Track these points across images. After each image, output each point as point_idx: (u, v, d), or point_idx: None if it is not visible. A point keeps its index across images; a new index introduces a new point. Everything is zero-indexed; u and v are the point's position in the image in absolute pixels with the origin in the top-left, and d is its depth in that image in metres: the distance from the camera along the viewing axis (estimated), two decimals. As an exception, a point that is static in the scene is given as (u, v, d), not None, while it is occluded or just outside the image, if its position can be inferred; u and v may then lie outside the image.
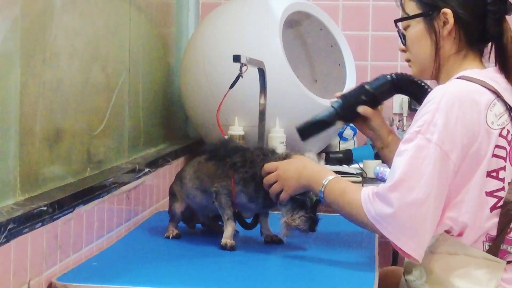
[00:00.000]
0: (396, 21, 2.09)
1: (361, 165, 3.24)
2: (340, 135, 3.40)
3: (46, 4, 1.96)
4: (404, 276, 2.05)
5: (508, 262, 1.95)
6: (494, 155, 1.91)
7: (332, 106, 2.26)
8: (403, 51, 2.11)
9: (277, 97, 2.97)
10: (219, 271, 2.02)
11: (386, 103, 3.50)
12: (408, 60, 2.10)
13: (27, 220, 1.74)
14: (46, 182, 1.99)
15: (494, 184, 1.92)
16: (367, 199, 1.94)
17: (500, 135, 1.92)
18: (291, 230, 2.13)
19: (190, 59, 3.24)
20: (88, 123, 2.28)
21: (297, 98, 3.07)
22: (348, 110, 2.25)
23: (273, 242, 2.26)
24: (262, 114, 2.79)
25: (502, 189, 1.92)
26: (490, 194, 1.92)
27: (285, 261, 2.11)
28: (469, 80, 1.94)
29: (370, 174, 3.18)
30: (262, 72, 2.75)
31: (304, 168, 2.11)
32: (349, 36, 3.43)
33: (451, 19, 1.99)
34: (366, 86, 2.25)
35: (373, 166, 3.17)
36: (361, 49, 3.61)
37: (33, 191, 1.90)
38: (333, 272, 2.00)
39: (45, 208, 1.82)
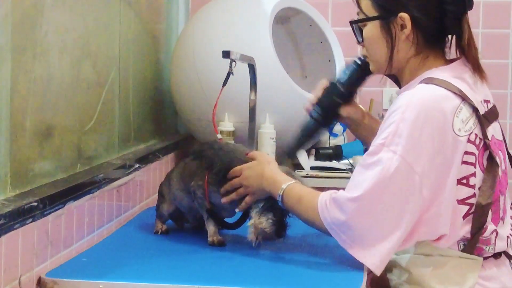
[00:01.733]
0: (351, 23, 2.05)
1: (351, 161, 3.25)
2: (330, 131, 3.40)
3: (37, 0, 1.96)
4: (386, 274, 2.06)
5: (485, 258, 1.94)
6: (464, 162, 1.89)
7: (311, 116, 2.23)
8: (360, 45, 2.07)
9: (267, 93, 2.98)
10: (209, 266, 2.02)
11: (376, 98, 3.54)
12: (366, 57, 2.07)
13: (18, 216, 1.74)
14: (37, 178, 1.99)
15: (465, 192, 1.90)
16: (323, 206, 1.94)
17: (468, 141, 1.89)
18: (258, 233, 2.11)
19: (180, 55, 3.24)
20: (79, 119, 2.28)
21: (287, 94, 3.08)
22: (328, 116, 2.22)
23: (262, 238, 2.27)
24: (252, 110, 2.79)
25: (473, 195, 1.91)
26: (462, 202, 1.91)
27: (275, 258, 2.12)
28: (435, 84, 1.91)
29: (360, 170, 3.18)
30: (252, 68, 2.75)
31: (263, 175, 2.09)
32: (338, 32, 3.44)
33: (408, 24, 1.94)
34: (338, 85, 2.20)
35: (362, 162, 3.18)
36: (350, 45, 3.59)
37: (23, 187, 1.90)
38: (322, 270, 2.00)
39: (35, 203, 1.82)
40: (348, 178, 3.04)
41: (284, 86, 3.07)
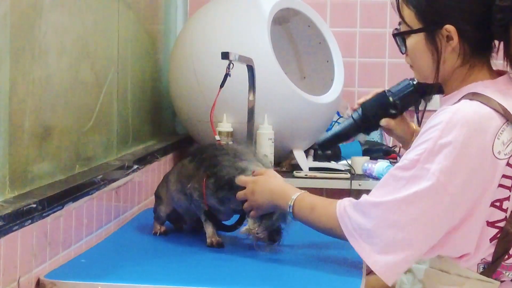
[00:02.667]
0: (394, 35, 1.97)
1: (349, 162, 3.25)
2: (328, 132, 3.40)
3: (35, 1, 1.95)
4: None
5: (502, 282, 1.89)
6: (500, 185, 1.82)
7: (352, 118, 2.21)
8: (404, 54, 1.99)
9: (266, 94, 2.98)
10: (208, 268, 2.02)
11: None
12: (411, 65, 1.99)
13: (17, 218, 1.74)
14: (35, 179, 1.98)
15: (496, 215, 1.84)
16: (343, 212, 1.90)
17: (508, 164, 1.82)
18: (253, 238, 2.12)
19: (178, 56, 3.24)
20: (77, 120, 2.28)
21: (286, 95, 3.08)
22: (369, 123, 2.20)
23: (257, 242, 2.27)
24: (250, 110, 2.79)
25: (504, 219, 1.84)
26: (491, 224, 1.84)
27: (273, 260, 2.11)
28: (479, 101, 1.83)
29: (358, 171, 3.19)
30: (251, 69, 2.75)
31: (271, 189, 2.07)
32: (337, 32, 3.44)
33: (455, 37, 1.87)
34: (388, 95, 2.17)
35: (361, 163, 3.19)
36: (349, 46, 3.62)
37: (22, 188, 1.90)
38: (321, 272, 1.99)
39: (34, 205, 1.82)
40: (347, 179, 3.09)
41: (283, 87, 3.07)
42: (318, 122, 3.19)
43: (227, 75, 2.54)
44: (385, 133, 2.25)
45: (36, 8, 1.96)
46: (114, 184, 2.43)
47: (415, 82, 2.16)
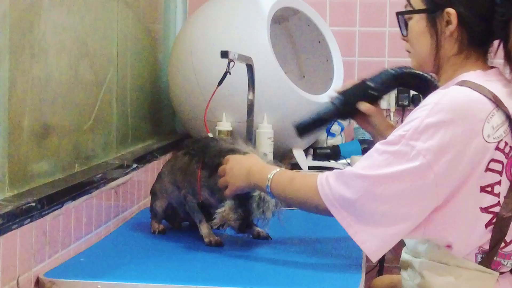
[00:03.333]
0: (398, 13, 2.00)
1: (349, 161, 3.25)
2: (328, 131, 3.40)
3: (34, 0, 1.96)
4: (399, 270, 2.05)
5: (501, 273, 1.90)
6: (489, 169, 1.83)
7: (333, 103, 2.22)
8: (404, 40, 2.02)
9: (265, 92, 2.98)
10: (207, 266, 2.02)
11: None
12: (408, 51, 2.02)
13: (16, 216, 1.74)
14: (35, 178, 1.99)
15: (489, 200, 1.84)
16: (323, 182, 1.90)
17: (497, 148, 1.84)
18: (223, 222, 2.13)
19: (178, 55, 3.24)
20: (76, 119, 2.28)
21: (285, 94, 3.08)
22: (348, 107, 2.20)
23: (259, 238, 2.27)
24: (250, 109, 2.79)
25: (498, 204, 1.85)
26: (485, 210, 1.85)
27: (272, 258, 2.12)
28: (470, 87, 1.86)
29: (358, 170, 3.19)
30: (250, 68, 2.75)
31: (250, 169, 2.07)
32: (336, 32, 3.44)
33: (454, 20, 1.90)
34: (368, 82, 2.20)
35: (360, 162, 3.18)
36: (348, 45, 3.62)
37: (21, 187, 1.90)
38: (320, 270, 2.00)
39: (33, 204, 1.82)
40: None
41: (282, 86, 3.07)
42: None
43: (226, 72, 2.54)
44: (361, 126, 2.25)
45: (36, 7, 1.96)
46: (114, 183, 2.44)
47: (397, 71, 2.19)
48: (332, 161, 3.29)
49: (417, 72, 2.16)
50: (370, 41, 3.62)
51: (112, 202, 2.46)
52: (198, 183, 2.21)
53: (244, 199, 2.12)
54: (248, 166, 2.08)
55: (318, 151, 3.33)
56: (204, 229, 2.22)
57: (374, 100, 2.21)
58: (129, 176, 2.60)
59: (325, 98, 3.22)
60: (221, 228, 2.15)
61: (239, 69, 2.67)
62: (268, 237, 2.26)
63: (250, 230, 2.20)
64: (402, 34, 2.01)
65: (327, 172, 1.93)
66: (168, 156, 3.15)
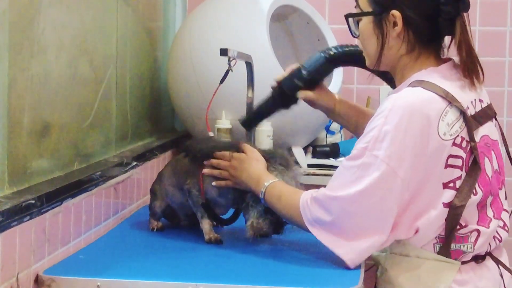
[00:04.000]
0: (346, 16, 2.07)
1: (348, 159, 3.24)
2: (327, 129, 3.41)
3: (34, -2, 1.96)
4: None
5: (464, 263, 1.94)
6: (448, 166, 1.88)
7: (272, 95, 2.28)
8: (356, 38, 2.08)
9: (264, 90, 2.97)
10: (207, 263, 2.03)
11: (373, 96, 3.54)
12: (338, 48, 2.15)
13: (15, 214, 1.74)
14: (34, 176, 1.99)
15: (451, 195, 1.90)
16: (305, 204, 1.98)
17: (454, 144, 1.88)
18: (256, 233, 2.14)
19: (177, 52, 3.24)
20: (76, 116, 2.28)
21: (284, 92, 3.07)
22: (287, 97, 2.25)
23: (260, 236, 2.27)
24: (249, 107, 2.79)
25: (456, 196, 1.90)
26: (447, 205, 1.90)
27: (272, 255, 2.12)
28: (422, 87, 1.90)
29: (357, 168, 3.18)
30: (249, 66, 2.75)
31: (249, 172, 2.14)
32: (336, 29, 3.44)
33: (399, 22, 1.94)
34: (302, 71, 2.24)
35: (359, 160, 3.18)
36: (347, 43, 3.61)
37: (21, 184, 1.90)
38: (320, 267, 2.00)
39: (33, 201, 1.82)
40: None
41: (281, 83, 3.06)
42: (316, 119, 3.19)
43: (228, 70, 2.54)
44: (310, 105, 2.29)
45: (35, 5, 1.96)
46: (113, 181, 2.44)
47: (327, 53, 2.23)
48: (331, 159, 3.29)
49: (346, 48, 2.22)
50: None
51: (111, 200, 2.46)
52: (201, 183, 2.21)
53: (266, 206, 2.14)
54: (249, 172, 2.14)
55: (317, 149, 3.33)
56: (205, 225, 2.22)
57: (311, 85, 2.24)
58: (129, 174, 2.60)
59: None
60: (257, 237, 2.15)
61: (239, 67, 2.67)
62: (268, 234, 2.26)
63: (283, 229, 2.18)
64: (353, 35, 2.06)
65: (307, 194, 2.00)
66: (167, 154, 3.15)
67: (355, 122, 2.30)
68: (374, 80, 2.26)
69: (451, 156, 1.88)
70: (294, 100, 2.27)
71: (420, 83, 1.92)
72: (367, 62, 2.07)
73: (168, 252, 2.13)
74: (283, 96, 2.26)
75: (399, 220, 1.91)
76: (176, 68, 3.23)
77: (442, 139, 1.87)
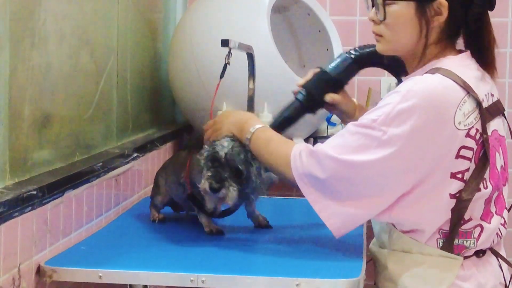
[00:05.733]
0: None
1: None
2: (328, 120, 3.40)
3: (35, -12, 1.96)
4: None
5: (466, 257, 1.92)
6: (460, 156, 1.85)
7: (297, 99, 2.20)
8: (374, 22, 1.99)
9: (265, 82, 2.97)
10: (208, 254, 2.03)
11: (374, 87, 3.54)
12: (378, 35, 1.98)
13: (17, 204, 1.74)
14: (36, 167, 1.99)
15: (458, 186, 1.87)
16: (297, 155, 1.92)
17: (468, 135, 1.86)
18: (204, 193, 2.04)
19: (178, 44, 3.23)
20: (77, 108, 2.28)
21: (285, 83, 3.06)
22: (313, 101, 2.19)
23: (260, 226, 2.27)
24: (250, 99, 2.79)
25: (463, 189, 1.88)
26: (453, 196, 1.88)
27: (274, 247, 2.12)
28: (442, 75, 1.87)
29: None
30: (250, 57, 2.75)
31: (235, 118, 2.10)
32: (336, 21, 3.43)
33: (445, 12, 1.90)
34: (329, 72, 2.19)
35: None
36: (348, 34, 3.61)
37: (22, 175, 1.90)
38: (321, 259, 2.00)
39: (34, 192, 1.82)
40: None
41: (282, 75, 3.06)
42: (317, 110, 3.19)
43: (226, 65, 2.52)
44: (328, 110, 2.25)
45: (36, -4, 1.96)
46: (114, 172, 2.44)
47: (353, 54, 2.18)
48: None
49: (372, 49, 2.12)
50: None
51: (112, 191, 2.46)
52: (187, 173, 2.18)
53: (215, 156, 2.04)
54: (235, 118, 2.10)
55: (318, 140, 3.33)
56: (202, 218, 2.22)
57: (338, 88, 2.19)
58: (130, 165, 2.60)
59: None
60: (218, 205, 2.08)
61: (240, 58, 2.67)
62: (269, 225, 2.26)
63: (221, 186, 2.01)
64: (377, 15, 1.96)
65: (301, 145, 1.95)
66: (168, 145, 3.16)
67: None
68: (375, 71, 2.25)
69: (464, 147, 1.86)
70: (322, 104, 2.20)
71: (438, 70, 1.89)
72: (385, 48, 1.99)
73: (170, 243, 2.13)
74: (308, 101, 2.19)
75: (400, 201, 1.88)
76: (177, 59, 3.23)
77: (457, 128, 1.84)
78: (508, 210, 2.03)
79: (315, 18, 3.39)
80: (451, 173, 1.87)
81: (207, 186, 2.01)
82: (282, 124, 2.24)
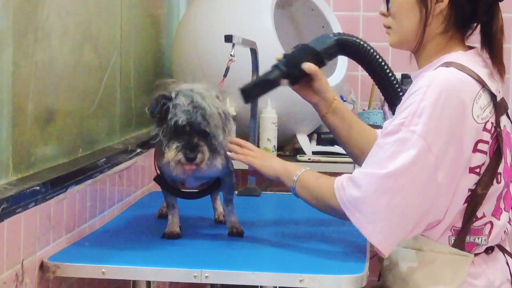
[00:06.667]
0: None
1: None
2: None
3: (38, -16, 1.95)
4: (378, 261, 2.06)
5: (476, 255, 1.92)
6: (477, 150, 1.85)
7: (276, 65, 2.18)
8: (383, 15, 2.00)
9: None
10: (212, 250, 2.02)
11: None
12: (388, 27, 1.99)
13: (20, 200, 1.74)
14: (39, 162, 1.99)
15: (473, 179, 1.86)
16: (339, 185, 1.90)
17: (484, 129, 1.85)
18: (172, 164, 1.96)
19: (181, 39, 3.23)
20: (80, 103, 2.28)
21: (289, 79, 3.07)
22: (292, 68, 2.16)
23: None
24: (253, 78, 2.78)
25: (478, 183, 1.87)
26: (470, 190, 1.87)
27: (279, 244, 2.12)
28: (457, 69, 1.86)
29: (362, 155, 3.18)
30: (254, 52, 2.74)
31: (274, 163, 2.09)
32: (340, 16, 3.43)
33: None
34: (310, 45, 2.18)
35: (364, 147, 3.18)
36: (352, 30, 3.59)
37: (25, 171, 1.90)
38: (325, 256, 2.00)
39: (38, 188, 1.82)
40: (350, 162, 3.09)
41: (286, 70, 3.06)
42: (321, 106, 3.19)
43: (228, 68, 2.49)
44: (305, 97, 2.21)
45: (39, -9, 1.96)
46: (118, 168, 2.44)
47: (337, 37, 2.19)
48: (336, 146, 3.28)
49: (357, 40, 2.16)
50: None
51: (116, 187, 2.46)
52: (155, 154, 2.10)
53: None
54: (272, 160, 2.10)
55: (322, 136, 3.33)
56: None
57: (317, 62, 2.17)
58: (133, 161, 2.60)
59: (329, 83, 3.21)
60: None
61: (243, 54, 2.66)
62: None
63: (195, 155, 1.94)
64: (384, 7, 1.98)
65: (343, 176, 1.92)
66: (171, 141, 3.15)
67: (348, 125, 2.20)
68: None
69: (480, 141, 1.85)
70: (298, 73, 2.17)
71: (451, 64, 1.88)
72: (394, 40, 1.99)
73: (173, 239, 2.12)
74: (287, 66, 2.16)
75: (433, 206, 1.85)
76: (180, 54, 3.23)
77: (476, 121, 1.84)
78: None
79: (319, 14, 3.39)
80: (470, 167, 1.86)
81: (182, 157, 1.94)
82: (257, 85, 2.23)
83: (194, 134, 1.95)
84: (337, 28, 3.36)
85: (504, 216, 1.95)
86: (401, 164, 1.82)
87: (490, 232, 1.92)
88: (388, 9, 1.97)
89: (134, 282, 1.99)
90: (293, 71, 2.16)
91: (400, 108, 1.88)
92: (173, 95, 1.99)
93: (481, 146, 1.85)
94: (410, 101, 1.85)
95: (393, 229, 1.85)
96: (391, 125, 1.87)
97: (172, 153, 1.95)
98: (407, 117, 1.83)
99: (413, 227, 1.86)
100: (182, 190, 2.15)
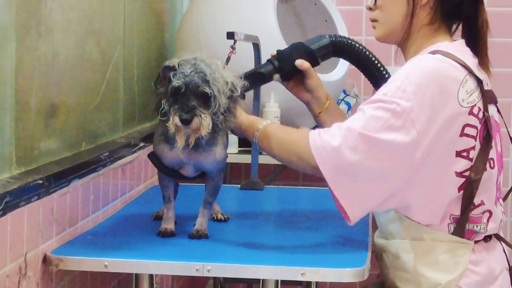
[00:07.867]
0: None
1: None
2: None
3: (41, -22, 1.96)
4: (376, 258, 2.06)
5: (476, 242, 1.93)
6: (464, 134, 1.87)
7: (269, 60, 2.21)
8: (370, 9, 2.03)
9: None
10: (214, 244, 2.03)
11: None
12: (374, 20, 2.02)
13: (23, 193, 1.75)
14: (42, 156, 1.99)
15: (463, 164, 1.88)
16: (316, 135, 1.90)
17: (471, 113, 1.88)
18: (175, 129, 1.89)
19: (184, 34, 3.23)
20: (83, 97, 2.29)
21: (292, 73, 3.07)
22: (285, 63, 2.18)
23: (219, 220, 2.25)
24: (257, 89, 2.79)
25: (470, 168, 1.89)
26: (459, 174, 1.89)
27: (280, 237, 2.13)
28: (443, 55, 1.90)
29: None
30: (257, 47, 2.75)
31: (247, 115, 2.07)
32: (343, 10, 3.43)
33: None
34: (305, 43, 2.21)
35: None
36: (355, 24, 3.61)
37: (28, 164, 1.91)
38: (327, 249, 2.00)
39: (40, 181, 1.83)
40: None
41: (289, 65, 3.06)
42: (324, 100, 3.19)
43: (229, 58, 2.49)
44: (297, 95, 2.22)
45: (42, -15, 1.96)
46: (120, 162, 2.44)
47: (333, 38, 2.21)
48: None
49: (353, 42, 2.19)
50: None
51: (119, 181, 2.47)
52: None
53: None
54: (244, 115, 2.06)
55: (324, 130, 3.33)
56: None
57: (310, 60, 2.19)
58: (136, 155, 2.61)
59: (332, 77, 3.22)
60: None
61: (246, 49, 2.67)
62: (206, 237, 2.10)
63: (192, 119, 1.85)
64: (370, 3, 2.01)
65: (319, 129, 1.94)
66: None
67: None
68: (382, 61, 2.25)
69: (467, 125, 1.88)
70: (291, 69, 2.18)
71: (437, 51, 1.92)
72: (381, 33, 2.02)
73: (168, 237, 2.12)
74: (280, 61, 2.19)
75: (409, 181, 1.87)
76: (183, 49, 3.22)
77: (461, 105, 1.87)
78: (504, 199, 2.04)
79: (322, 8, 3.39)
80: (456, 151, 1.88)
81: (177, 120, 1.85)
82: (250, 76, 2.21)
83: (191, 96, 1.87)
84: (339, 22, 3.36)
85: (499, 204, 1.98)
86: (381, 130, 1.83)
87: (488, 220, 1.94)
88: (375, 2, 2.00)
89: (137, 275, 2.00)
90: (286, 66, 2.18)
91: (385, 84, 1.90)
92: (176, 65, 1.94)
93: (468, 130, 1.88)
94: (394, 78, 1.88)
95: (361, 193, 1.86)
96: (375, 96, 1.89)
97: (171, 119, 1.86)
98: (391, 89, 1.85)
99: (382, 200, 1.88)
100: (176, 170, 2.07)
